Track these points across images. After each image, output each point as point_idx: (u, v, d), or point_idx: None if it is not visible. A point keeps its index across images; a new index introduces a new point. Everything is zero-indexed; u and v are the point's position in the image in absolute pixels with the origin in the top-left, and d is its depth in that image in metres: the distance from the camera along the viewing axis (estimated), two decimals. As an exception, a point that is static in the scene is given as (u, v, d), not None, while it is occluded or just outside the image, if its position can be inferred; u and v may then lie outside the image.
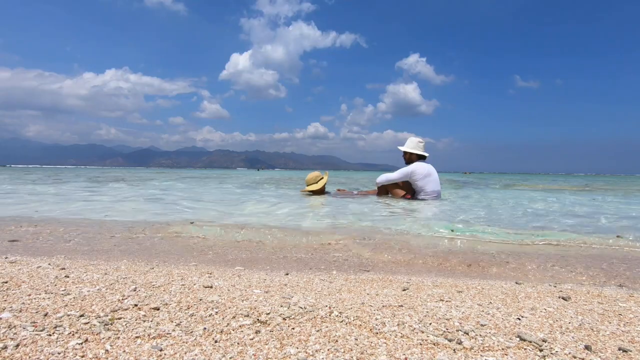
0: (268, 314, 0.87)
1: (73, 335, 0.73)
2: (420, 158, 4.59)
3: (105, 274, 1.24)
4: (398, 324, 0.84)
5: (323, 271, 1.48)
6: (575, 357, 0.71)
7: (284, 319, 0.85)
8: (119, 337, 0.73)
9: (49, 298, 0.93)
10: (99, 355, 0.66)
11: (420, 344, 0.74)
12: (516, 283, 1.33)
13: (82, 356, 0.65)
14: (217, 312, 0.88)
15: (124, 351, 0.68)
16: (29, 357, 0.64)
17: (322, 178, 5.05)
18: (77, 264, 1.41)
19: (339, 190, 5.48)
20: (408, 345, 0.74)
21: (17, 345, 0.67)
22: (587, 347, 0.75)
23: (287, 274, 1.39)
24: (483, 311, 0.96)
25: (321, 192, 5.05)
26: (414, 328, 0.82)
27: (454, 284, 1.29)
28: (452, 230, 2.42)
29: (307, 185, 5.08)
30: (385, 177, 4.69)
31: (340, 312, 0.90)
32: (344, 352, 0.70)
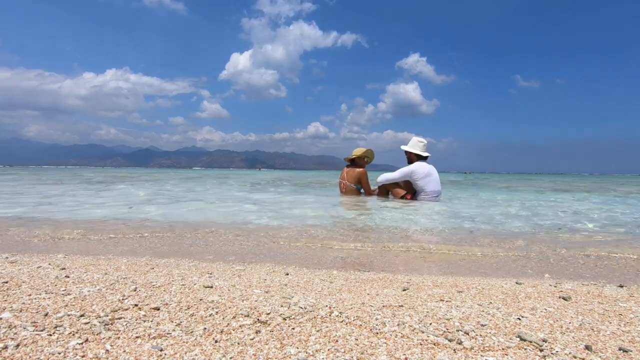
0: (268, 314, 0.87)
1: (73, 335, 0.73)
2: (421, 158, 4.58)
3: (106, 274, 1.24)
4: (398, 324, 0.84)
5: (323, 271, 1.48)
6: (575, 357, 0.71)
7: (284, 319, 0.85)
8: (119, 337, 0.73)
9: (49, 298, 0.93)
10: (99, 355, 0.66)
11: (421, 344, 0.74)
12: (516, 283, 1.33)
13: (83, 356, 0.65)
14: (217, 312, 0.88)
15: (124, 351, 0.68)
16: (30, 357, 0.64)
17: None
18: (77, 264, 1.41)
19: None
20: (408, 345, 0.73)
21: (18, 345, 0.67)
22: (587, 347, 0.75)
23: (287, 274, 1.38)
24: (483, 311, 0.96)
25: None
26: (414, 328, 0.82)
27: (454, 284, 1.29)
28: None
29: (358, 157, 4.96)
30: (385, 177, 4.69)
31: (340, 312, 0.90)
32: (344, 352, 0.70)
